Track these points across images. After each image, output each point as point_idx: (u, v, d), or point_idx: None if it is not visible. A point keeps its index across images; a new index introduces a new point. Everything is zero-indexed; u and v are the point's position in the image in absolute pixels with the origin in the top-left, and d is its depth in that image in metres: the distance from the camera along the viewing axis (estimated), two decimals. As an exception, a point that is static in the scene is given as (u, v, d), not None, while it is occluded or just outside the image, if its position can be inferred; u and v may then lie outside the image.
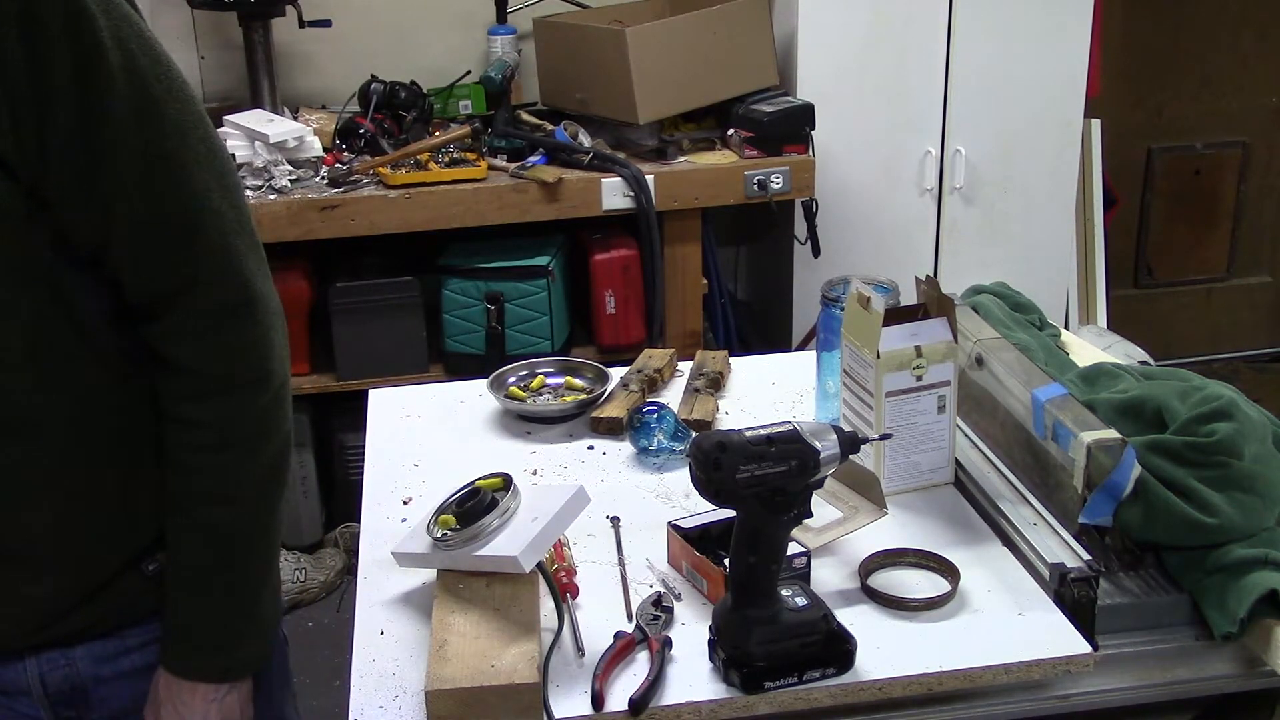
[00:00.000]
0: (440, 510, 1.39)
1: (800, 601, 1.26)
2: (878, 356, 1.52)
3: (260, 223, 2.76)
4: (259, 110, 3.09)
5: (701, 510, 1.43)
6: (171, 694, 1.20)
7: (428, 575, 1.41)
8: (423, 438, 1.78)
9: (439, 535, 1.36)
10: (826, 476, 1.24)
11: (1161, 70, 4.03)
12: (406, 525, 1.54)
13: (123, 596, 1.20)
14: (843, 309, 1.61)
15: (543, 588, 1.35)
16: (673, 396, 1.87)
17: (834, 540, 1.44)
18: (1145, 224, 4.20)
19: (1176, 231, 4.23)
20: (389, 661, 1.29)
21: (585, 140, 3.03)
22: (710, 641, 1.26)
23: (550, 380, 1.92)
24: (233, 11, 3.10)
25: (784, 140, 3.05)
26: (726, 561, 1.29)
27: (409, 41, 3.37)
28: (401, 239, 2.93)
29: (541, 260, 3.00)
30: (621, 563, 1.44)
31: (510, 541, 1.32)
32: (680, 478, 1.62)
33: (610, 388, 1.86)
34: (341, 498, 3.16)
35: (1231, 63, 4.07)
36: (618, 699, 1.21)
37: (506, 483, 1.40)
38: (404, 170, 2.89)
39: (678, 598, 1.37)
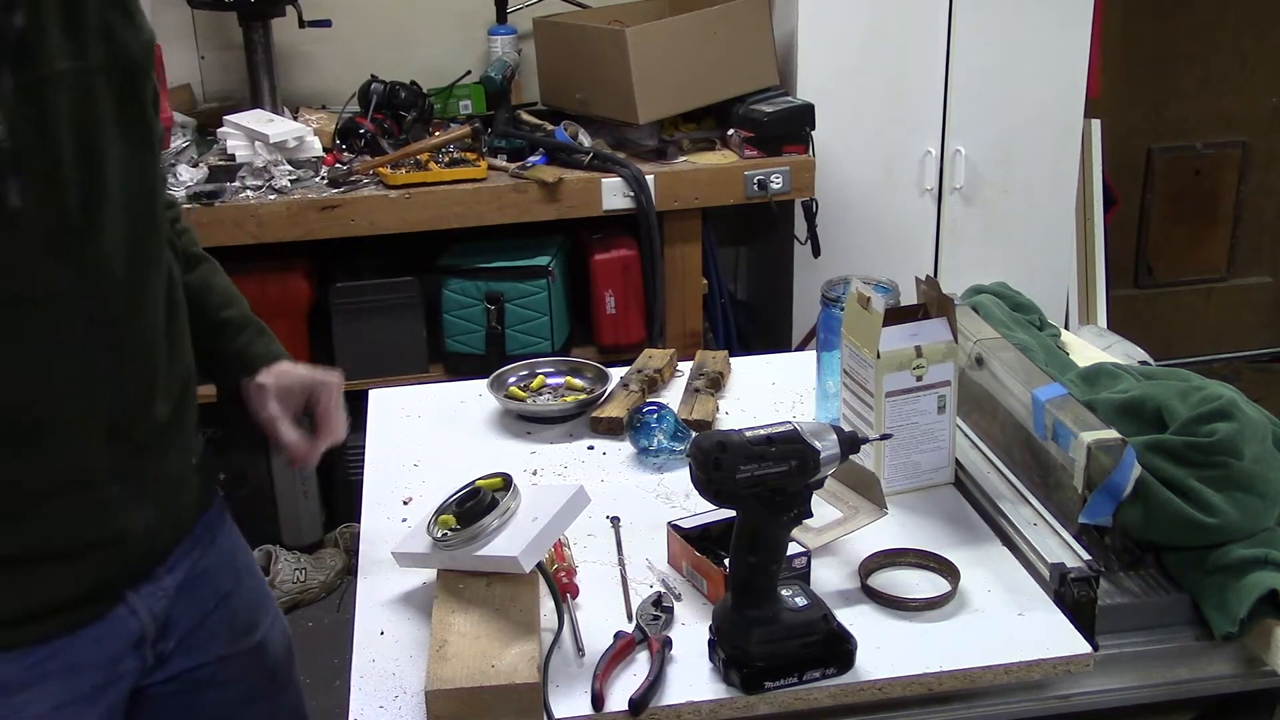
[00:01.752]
0: (440, 510, 1.39)
1: (800, 601, 1.26)
2: (878, 356, 1.52)
3: (261, 222, 2.77)
4: (259, 110, 3.09)
5: (701, 510, 1.43)
6: (284, 368, 1.41)
7: (428, 575, 1.41)
8: (423, 438, 1.78)
9: (439, 535, 1.36)
10: (826, 476, 1.24)
11: (1161, 70, 4.03)
12: (406, 525, 1.54)
13: (190, 492, 1.30)
14: (843, 309, 1.61)
15: (543, 588, 1.35)
16: (673, 396, 1.87)
17: (834, 540, 1.44)
18: (1145, 224, 4.20)
19: (1176, 231, 4.23)
20: (389, 661, 1.29)
21: (585, 140, 3.03)
22: (710, 641, 1.26)
23: (550, 380, 1.92)
24: (233, 11, 3.10)
25: (784, 140, 3.05)
26: (726, 561, 1.29)
27: (409, 41, 3.37)
28: (401, 239, 2.93)
29: (541, 260, 3.00)
30: (621, 563, 1.44)
31: (510, 541, 1.32)
32: (680, 478, 1.62)
33: (610, 388, 1.86)
34: (341, 498, 3.16)
35: (1231, 63, 4.07)
36: (618, 699, 1.21)
37: (506, 483, 1.40)
38: (404, 170, 2.89)
39: (678, 598, 1.37)
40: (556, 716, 1.19)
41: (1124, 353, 3.36)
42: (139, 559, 1.25)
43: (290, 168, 2.88)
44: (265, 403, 1.38)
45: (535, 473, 1.68)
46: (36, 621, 1.18)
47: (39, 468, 1.14)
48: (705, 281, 3.15)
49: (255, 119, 2.98)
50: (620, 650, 1.26)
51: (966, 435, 1.68)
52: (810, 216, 3.19)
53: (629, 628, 1.31)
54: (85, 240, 1.13)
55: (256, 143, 2.89)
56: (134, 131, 1.18)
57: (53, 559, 1.17)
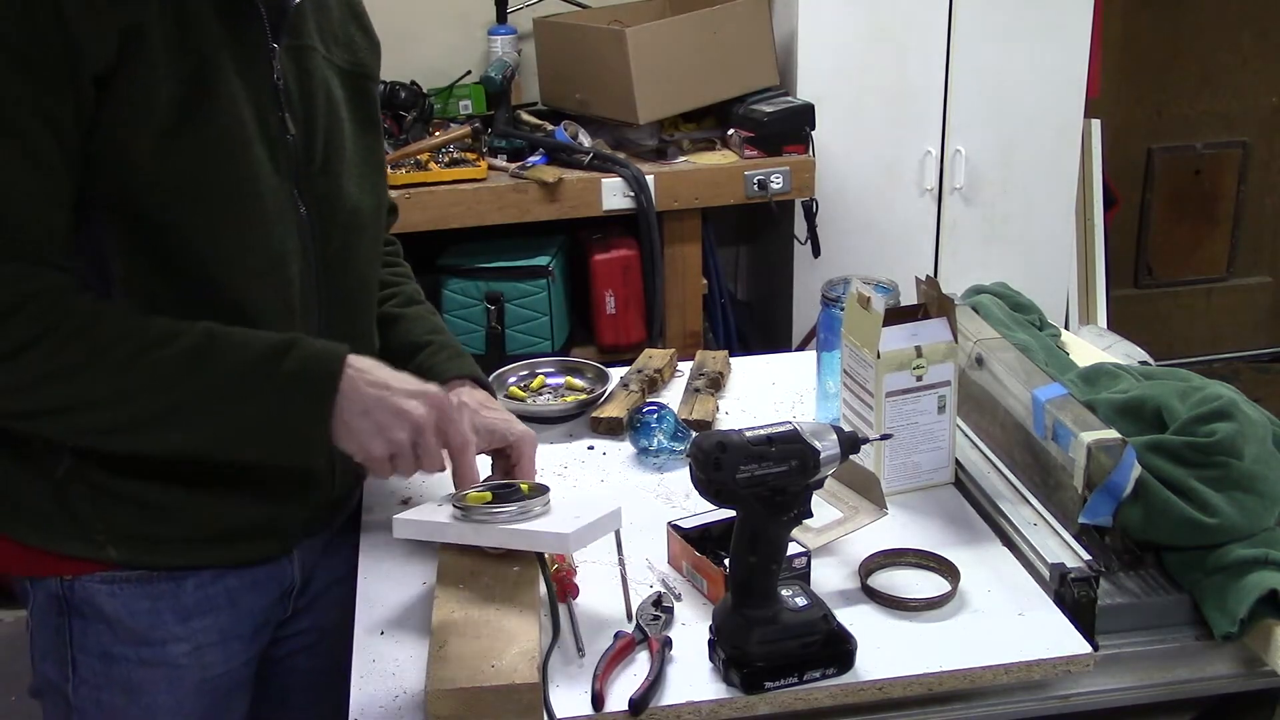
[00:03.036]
0: (462, 492, 1.36)
1: (800, 601, 1.26)
2: (878, 356, 1.52)
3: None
4: (259, 110, 3.09)
5: (701, 510, 1.43)
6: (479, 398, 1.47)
7: (428, 575, 1.41)
8: (423, 438, 1.78)
9: (468, 509, 1.32)
10: (826, 476, 1.24)
11: (1161, 70, 4.03)
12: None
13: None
14: (843, 309, 1.61)
15: (543, 588, 1.34)
16: (673, 396, 1.86)
17: (834, 540, 1.44)
18: (1145, 224, 4.20)
19: (1176, 231, 4.23)
20: (389, 661, 1.29)
21: (585, 140, 3.03)
22: (710, 641, 1.26)
23: (550, 380, 1.92)
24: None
25: (784, 140, 3.05)
26: (726, 561, 1.29)
27: (409, 41, 3.37)
28: (401, 239, 2.92)
29: (541, 260, 3.00)
30: (621, 563, 1.44)
31: (560, 523, 1.31)
32: (680, 478, 1.62)
33: (610, 388, 1.86)
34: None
35: (1231, 63, 4.07)
36: (618, 699, 1.21)
37: (543, 490, 1.37)
38: (404, 170, 2.89)
39: (678, 598, 1.37)
40: (557, 716, 1.19)
41: (1124, 353, 3.36)
42: (313, 506, 1.40)
43: (290, 168, 2.88)
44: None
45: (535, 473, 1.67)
46: (224, 544, 1.31)
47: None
48: (705, 281, 3.15)
49: (255, 119, 2.98)
50: (620, 650, 1.26)
51: (966, 435, 1.68)
52: (810, 216, 3.19)
53: (629, 628, 1.31)
54: (320, 183, 1.32)
55: (256, 143, 2.89)
56: (363, 116, 1.40)
57: (250, 484, 1.30)
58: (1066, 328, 3.53)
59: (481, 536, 1.33)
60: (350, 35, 1.42)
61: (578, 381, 1.92)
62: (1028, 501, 1.51)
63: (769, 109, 3.04)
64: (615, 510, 1.35)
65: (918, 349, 1.53)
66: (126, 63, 1.15)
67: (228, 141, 1.23)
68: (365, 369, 1.24)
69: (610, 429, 1.76)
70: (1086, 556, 1.38)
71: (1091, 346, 2.01)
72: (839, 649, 1.24)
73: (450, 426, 1.26)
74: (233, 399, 1.20)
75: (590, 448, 1.74)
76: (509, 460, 1.43)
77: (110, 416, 1.18)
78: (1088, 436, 1.39)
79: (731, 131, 3.08)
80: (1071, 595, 1.33)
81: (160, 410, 1.18)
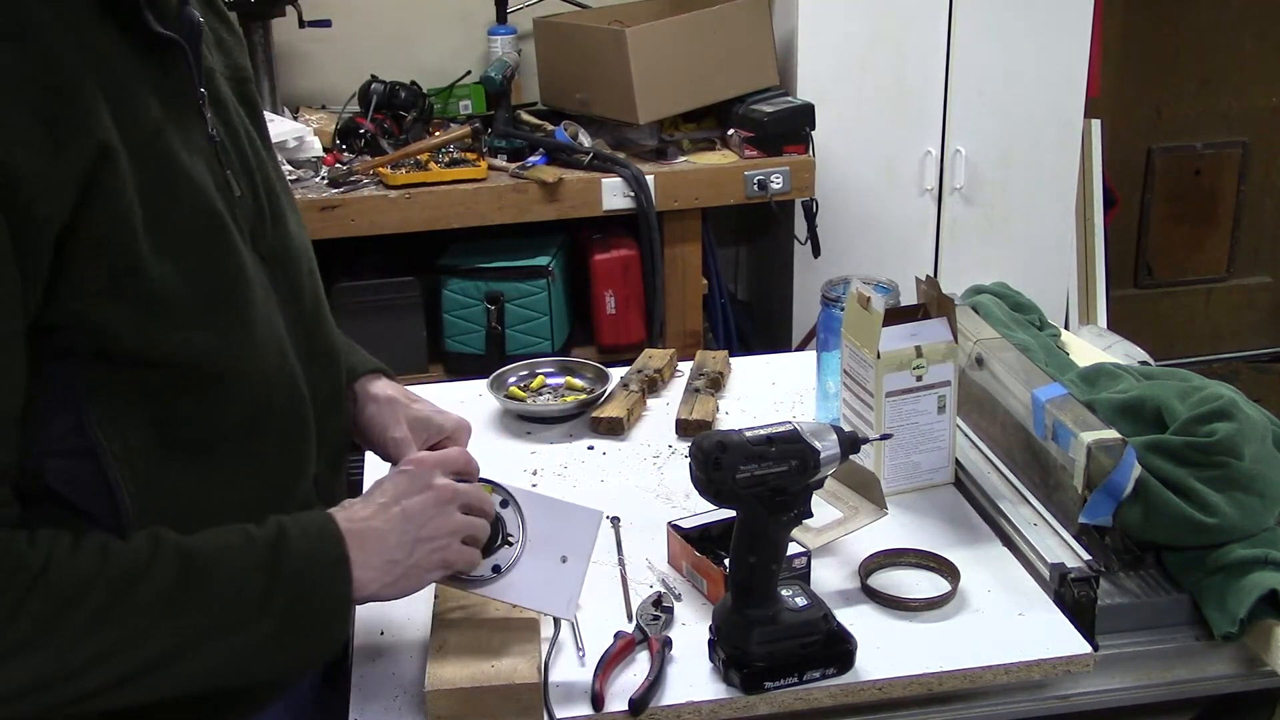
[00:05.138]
0: None
1: (800, 601, 1.26)
2: (878, 356, 1.52)
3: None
4: (259, 110, 3.08)
5: (701, 510, 1.43)
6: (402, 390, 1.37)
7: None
8: (423, 438, 1.78)
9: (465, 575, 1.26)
10: (826, 476, 1.24)
11: (1161, 70, 4.03)
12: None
13: None
14: (843, 309, 1.61)
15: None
16: (673, 396, 1.87)
17: (834, 540, 1.44)
18: (1145, 224, 4.20)
19: (1176, 231, 4.23)
20: (389, 661, 1.29)
21: (585, 140, 3.03)
22: (710, 641, 1.26)
23: (550, 380, 1.92)
24: (233, 12, 3.09)
25: (784, 140, 3.05)
26: (726, 561, 1.29)
27: (409, 41, 3.37)
28: (401, 239, 2.93)
29: (541, 260, 2.99)
30: (621, 563, 1.44)
31: (549, 591, 1.25)
32: (680, 478, 1.62)
33: (610, 388, 1.86)
34: (342, 498, 3.15)
35: (1231, 63, 4.07)
36: (618, 699, 1.21)
37: (497, 490, 1.30)
38: (404, 170, 2.89)
39: (678, 598, 1.37)
40: (556, 716, 1.19)
41: (1124, 353, 3.36)
42: None
43: (290, 168, 2.88)
44: (397, 422, 1.33)
45: (535, 473, 1.68)
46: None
47: (260, 478, 1.13)
48: (705, 281, 3.15)
49: (255, 119, 2.98)
50: (620, 650, 1.26)
51: (966, 435, 1.68)
52: (810, 216, 3.19)
53: (629, 628, 1.31)
54: (274, 239, 1.16)
55: (256, 143, 2.89)
56: (262, 134, 1.21)
57: None
58: (1066, 328, 3.53)
59: (486, 591, 1.26)
60: (215, 29, 1.20)
61: (578, 381, 1.92)
62: (1028, 501, 1.51)
63: (769, 109, 3.04)
64: (594, 523, 1.30)
65: (918, 349, 1.53)
66: (92, 200, 0.93)
67: (216, 238, 1.04)
68: (355, 518, 1.11)
69: (610, 429, 1.76)
70: (1086, 556, 1.38)
71: (1091, 346, 2.01)
72: (839, 649, 1.24)
73: (455, 499, 1.18)
74: (234, 627, 1.00)
75: (590, 448, 1.74)
76: None
77: (88, 685, 0.96)
78: (1088, 436, 1.39)
79: (731, 131, 3.08)
80: (1071, 595, 1.33)
81: (145, 663, 0.97)
